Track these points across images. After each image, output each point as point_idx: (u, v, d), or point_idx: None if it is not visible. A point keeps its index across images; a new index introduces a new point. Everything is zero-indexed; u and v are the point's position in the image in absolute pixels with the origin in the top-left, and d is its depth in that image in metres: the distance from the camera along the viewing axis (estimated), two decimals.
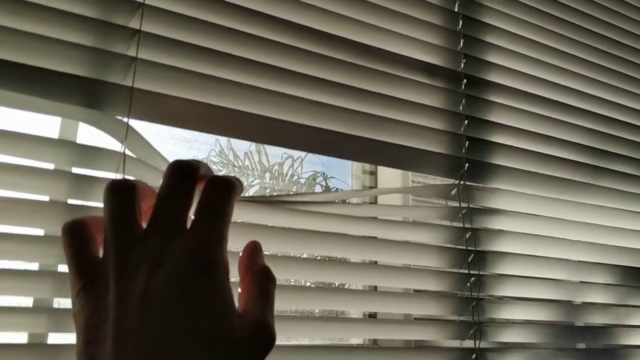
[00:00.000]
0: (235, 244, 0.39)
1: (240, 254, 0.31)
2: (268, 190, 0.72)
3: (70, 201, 0.40)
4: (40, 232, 0.42)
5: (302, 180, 0.74)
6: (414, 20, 0.58)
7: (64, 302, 0.44)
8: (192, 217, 0.29)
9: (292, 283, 0.63)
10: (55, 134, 0.45)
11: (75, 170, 0.41)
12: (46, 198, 0.40)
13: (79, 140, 0.45)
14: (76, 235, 0.28)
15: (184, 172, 0.29)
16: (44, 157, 0.39)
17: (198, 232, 0.27)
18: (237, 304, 0.27)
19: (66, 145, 0.40)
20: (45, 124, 0.45)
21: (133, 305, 0.24)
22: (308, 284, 0.63)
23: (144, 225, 0.28)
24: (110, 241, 0.27)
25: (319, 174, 0.74)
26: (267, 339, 0.26)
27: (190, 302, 0.25)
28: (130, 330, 0.24)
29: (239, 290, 0.29)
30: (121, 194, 0.28)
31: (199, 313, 0.25)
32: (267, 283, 0.29)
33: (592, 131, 0.70)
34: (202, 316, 0.25)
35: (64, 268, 0.42)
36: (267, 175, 0.72)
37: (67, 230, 0.28)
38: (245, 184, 0.46)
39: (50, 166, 0.41)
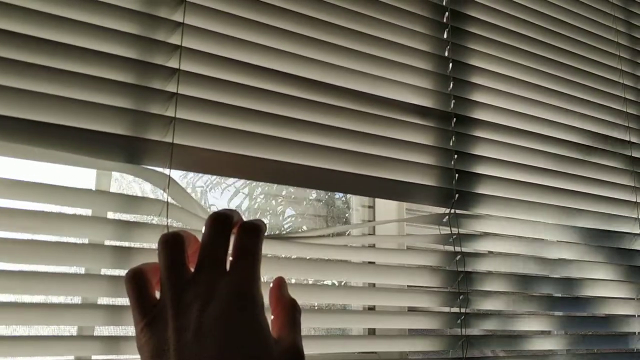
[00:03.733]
0: (263, 274, 0.48)
1: (270, 285, 0.40)
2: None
3: (120, 243, 0.49)
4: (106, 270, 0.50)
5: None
6: (408, 68, 0.67)
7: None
8: (230, 259, 0.37)
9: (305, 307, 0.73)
10: (92, 184, 0.53)
11: (125, 216, 0.49)
12: (103, 240, 0.49)
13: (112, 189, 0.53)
14: (137, 281, 0.36)
15: (221, 222, 0.37)
16: (100, 207, 0.48)
17: (236, 273, 0.35)
18: (270, 329, 0.35)
19: (119, 196, 0.49)
20: (80, 175, 0.53)
21: (190, 336, 0.32)
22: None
23: (192, 268, 0.36)
24: (166, 285, 0.34)
25: None
26: (299, 359, 0.34)
27: (236, 331, 0.32)
28: (189, 356, 0.31)
29: (272, 317, 0.38)
30: (172, 245, 0.36)
31: (244, 340, 0.32)
32: (294, 313, 0.38)
33: (567, 158, 0.79)
34: (246, 342, 0.32)
35: (102, 300, 0.50)
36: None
37: (129, 277, 0.36)
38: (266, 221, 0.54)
39: (108, 214, 0.49)
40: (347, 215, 0.85)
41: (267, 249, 0.54)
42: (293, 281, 0.71)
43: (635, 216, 0.85)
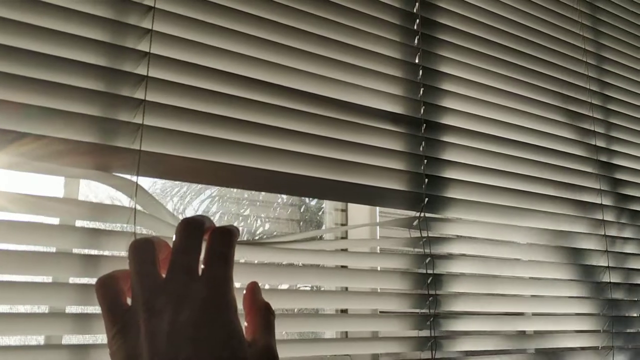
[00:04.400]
0: (236, 280, 0.48)
1: (244, 291, 0.40)
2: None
3: (87, 251, 0.49)
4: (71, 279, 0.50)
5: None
6: (379, 74, 0.69)
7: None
8: (202, 264, 0.37)
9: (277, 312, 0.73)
10: (60, 192, 0.53)
11: (93, 225, 0.49)
12: (71, 249, 0.49)
13: (81, 197, 0.53)
14: (108, 288, 0.36)
15: (193, 228, 0.38)
16: (68, 215, 0.48)
17: (209, 277, 0.35)
18: (244, 333, 0.36)
19: (87, 204, 0.49)
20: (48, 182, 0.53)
21: (163, 341, 0.32)
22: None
23: (163, 274, 0.37)
24: (137, 291, 0.35)
25: None
26: None
27: (209, 335, 0.33)
28: None
29: (245, 323, 0.38)
30: (142, 251, 0.37)
31: (217, 344, 0.33)
32: (268, 316, 0.39)
33: (535, 162, 0.82)
34: (220, 346, 0.33)
35: (71, 309, 0.50)
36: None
37: (100, 285, 0.36)
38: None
39: (74, 222, 0.49)
40: (318, 218, 0.86)
41: (240, 254, 0.55)
42: (267, 287, 0.72)
43: (601, 217, 0.89)
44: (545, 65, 0.88)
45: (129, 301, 0.36)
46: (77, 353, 0.47)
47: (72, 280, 0.51)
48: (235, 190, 0.81)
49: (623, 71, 1.02)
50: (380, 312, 0.70)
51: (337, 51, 0.66)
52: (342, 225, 0.76)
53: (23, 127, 0.45)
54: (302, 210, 0.86)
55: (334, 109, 0.64)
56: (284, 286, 0.78)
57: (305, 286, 0.76)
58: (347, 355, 0.69)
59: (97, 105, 0.49)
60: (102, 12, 0.51)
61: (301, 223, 0.85)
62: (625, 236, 0.92)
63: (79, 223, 0.50)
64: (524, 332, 0.84)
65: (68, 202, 0.48)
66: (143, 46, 0.53)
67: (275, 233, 0.82)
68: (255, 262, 0.58)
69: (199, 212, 0.75)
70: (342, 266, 0.68)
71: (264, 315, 0.39)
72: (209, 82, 0.55)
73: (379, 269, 0.69)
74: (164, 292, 0.34)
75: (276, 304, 0.59)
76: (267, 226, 0.82)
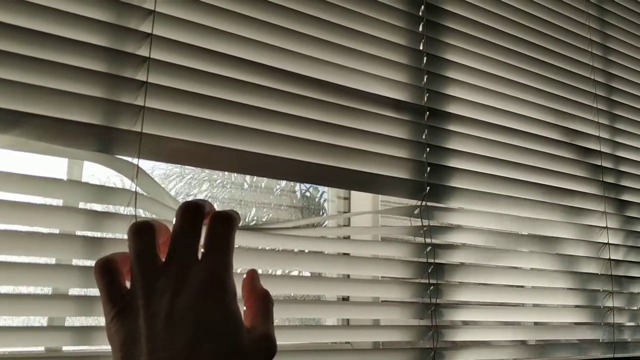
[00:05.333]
0: (236, 266, 0.49)
1: (244, 276, 0.41)
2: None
3: (89, 233, 0.49)
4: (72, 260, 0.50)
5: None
6: (382, 60, 0.68)
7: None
8: (202, 249, 0.37)
9: (279, 298, 0.74)
10: (64, 174, 0.53)
11: (94, 206, 0.49)
12: (75, 231, 0.49)
13: (84, 178, 0.53)
14: (106, 271, 0.36)
15: (193, 212, 0.38)
16: (70, 196, 0.48)
17: (209, 261, 0.35)
18: (243, 319, 0.36)
19: (87, 186, 0.49)
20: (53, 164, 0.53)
21: (161, 324, 0.32)
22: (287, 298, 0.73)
23: (162, 257, 0.37)
24: (137, 273, 0.35)
25: None
26: (272, 348, 0.35)
27: (207, 319, 0.33)
28: (161, 345, 0.32)
29: (244, 308, 0.39)
30: (142, 233, 0.36)
31: (215, 328, 0.33)
32: (267, 303, 0.39)
33: (539, 153, 0.82)
34: (218, 330, 0.33)
35: (74, 291, 0.50)
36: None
37: (99, 267, 0.36)
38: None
39: (77, 204, 0.49)
40: (320, 205, 0.86)
41: (241, 240, 0.55)
42: (270, 272, 0.72)
43: (603, 210, 0.89)
44: (550, 55, 0.88)
45: (127, 284, 0.36)
46: (80, 335, 0.47)
47: (75, 262, 0.51)
48: (236, 175, 0.81)
49: (628, 62, 1.01)
50: (382, 300, 0.71)
51: (341, 36, 0.66)
52: (345, 213, 0.76)
53: (25, 107, 0.45)
54: (304, 197, 0.86)
55: (336, 95, 0.64)
56: (286, 272, 0.78)
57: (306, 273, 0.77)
58: (348, 342, 0.70)
59: (100, 86, 0.49)
60: None
61: (303, 210, 0.85)
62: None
63: (82, 205, 0.50)
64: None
65: (71, 184, 0.48)
66: (145, 27, 0.52)
67: (275, 220, 0.83)
68: (258, 247, 0.58)
69: (200, 197, 0.75)
70: (344, 254, 0.68)
71: (263, 302, 0.39)
72: (212, 65, 0.55)
73: (380, 257, 0.70)
74: (162, 275, 0.34)
75: (278, 290, 0.60)
76: (267, 212, 0.82)
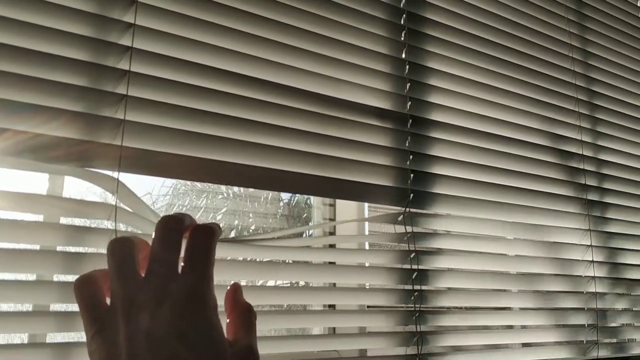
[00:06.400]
0: (219, 278, 0.49)
1: (227, 288, 0.41)
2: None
3: (70, 248, 0.49)
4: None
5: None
6: (365, 70, 0.69)
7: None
8: (182, 263, 0.38)
9: (264, 309, 0.74)
10: (44, 189, 0.53)
11: (74, 221, 0.50)
12: (55, 246, 0.49)
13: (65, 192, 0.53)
14: (86, 288, 0.36)
15: (172, 226, 0.38)
16: (50, 211, 0.48)
17: (188, 275, 0.36)
18: (225, 332, 0.36)
19: (67, 201, 0.49)
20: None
21: (142, 341, 0.32)
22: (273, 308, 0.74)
23: (142, 273, 0.37)
24: (117, 290, 0.35)
25: None
26: None
27: (188, 333, 0.33)
28: None
29: (227, 320, 0.39)
30: (121, 249, 0.37)
31: (197, 343, 0.33)
32: (250, 316, 0.39)
33: (521, 158, 0.83)
34: (199, 346, 0.33)
35: (55, 307, 0.50)
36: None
37: (78, 284, 0.36)
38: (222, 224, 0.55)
39: (59, 219, 0.49)
40: (306, 212, 0.87)
41: (225, 252, 0.56)
42: (259, 283, 0.72)
43: (586, 213, 0.91)
44: (531, 61, 0.90)
45: (108, 301, 0.36)
46: (61, 351, 0.47)
47: (57, 277, 0.51)
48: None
49: (608, 66, 1.04)
50: (368, 307, 0.71)
51: (323, 46, 0.66)
52: (331, 220, 0.77)
53: (3, 122, 0.45)
54: (289, 204, 0.87)
55: (319, 104, 0.65)
56: (271, 283, 0.79)
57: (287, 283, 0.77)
58: (335, 350, 0.70)
59: (80, 100, 0.49)
60: (86, 7, 0.51)
61: (289, 218, 0.86)
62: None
63: (62, 220, 0.51)
64: (511, 326, 0.86)
65: (51, 199, 0.48)
66: (126, 40, 0.53)
67: (260, 229, 0.83)
68: (241, 259, 0.59)
69: (185, 207, 0.75)
70: (330, 262, 0.69)
71: (245, 315, 0.39)
72: (193, 77, 0.56)
73: (366, 264, 0.70)
74: (142, 291, 0.34)
75: (264, 301, 0.61)
76: (254, 221, 0.83)
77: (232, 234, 0.79)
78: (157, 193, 0.75)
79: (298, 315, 0.63)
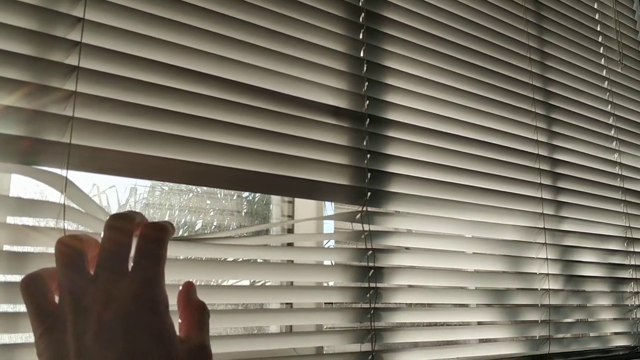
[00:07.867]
0: (173, 278, 0.49)
1: (180, 287, 0.41)
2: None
3: (15, 248, 0.49)
4: None
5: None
6: (323, 68, 0.71)
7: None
8: (132, 261, 0.38)
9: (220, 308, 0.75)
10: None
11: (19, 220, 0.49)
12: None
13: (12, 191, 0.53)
14: (34, 286, 0.36)
15: (121, 223, 0.38)
16: None
17: (138, 273, 0.36)
18: (177, 331, 0.37)
19: (13, 199, 0.48)
20: None
21: (90, 340, 0.33)
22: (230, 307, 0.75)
23: (91, 271, 0.37)
24: (65, 288, 0.35)
25: None
26: (206, 357, 0.36)
27: (137, 333, 0.33)
28: None
29: (179, 320, 0.40)
30: (69, 248, 0.37)
31: (145, 341, 0.34)
32: (202, 314, 0.40)
33: (476, 156, 0.87)
34: (149, 344, 0.34)
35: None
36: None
37: (25, 283, 0.36)
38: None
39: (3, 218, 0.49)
40: (264, 209, 0.88)
41: (178, 251, 0.56)
42: (212, 282, 0.73)
43: (541, 211, 0.95)
44: (489, 61, 0.93)
45: (56, 300, 0.36)
46: (4, 353, 0.47)
47: (2, 277, 0.51)
48: None
49: (564, 67, 1.08)
50: (326, 304, 0.73)
51: (280, 43, 0.67)
52: (289, 217, 0.78)
53: None
54: (247, 201, 0.88)
55: (275, 102, 0.66)
56: (230, 281, 0.79)
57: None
58: (292, 348, 0.72)
59: (26, 97, 0.49)
60: (33, 0, 0.51)
61: (246, 215, 0.87)
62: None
63: (9, 219, 0.50)
64: (467, 323, 0.89)
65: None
66: (74, 35, 0.53)
67: (214, 226, 0.83)
68: (194, 257, 0.59)
69: (139, 205, 0.75)
70: (288, 260, 0.70)
71: (198, 313, 0.39)
72: (144, 74, 0.56)
73: (324, 262, 0.72)
74: (90, 290, 0.34)
75: (220, 300, 0.61)
76: (211, 218, 0.83)
77: (183, 233, 0.79)
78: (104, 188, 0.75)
79: (255, 314, 0.64)
